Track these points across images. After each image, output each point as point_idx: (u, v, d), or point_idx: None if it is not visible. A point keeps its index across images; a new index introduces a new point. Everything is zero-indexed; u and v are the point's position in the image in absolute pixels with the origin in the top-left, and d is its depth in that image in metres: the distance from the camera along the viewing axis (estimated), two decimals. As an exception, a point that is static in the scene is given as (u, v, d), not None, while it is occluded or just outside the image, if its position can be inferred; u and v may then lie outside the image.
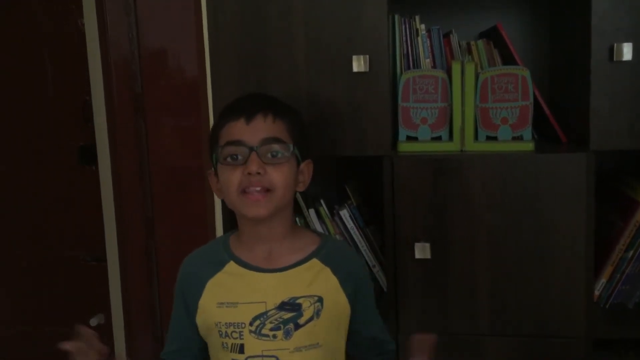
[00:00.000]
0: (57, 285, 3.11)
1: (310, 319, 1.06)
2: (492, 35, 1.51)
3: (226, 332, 1.06)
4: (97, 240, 2.95)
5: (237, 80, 1.34)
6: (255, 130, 1.04)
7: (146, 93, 2.71)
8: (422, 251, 1.30)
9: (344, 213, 1.53)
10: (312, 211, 1.55)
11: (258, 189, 1.03)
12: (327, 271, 1.09)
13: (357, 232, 1.54)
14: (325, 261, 1.10)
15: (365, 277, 1.18)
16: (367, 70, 1.28)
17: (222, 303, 1.07)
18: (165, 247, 2.80)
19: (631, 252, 1.41)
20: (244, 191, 1.04)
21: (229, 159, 1.05)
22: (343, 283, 1.10)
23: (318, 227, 1.53)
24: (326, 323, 1.08)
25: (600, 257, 1.41)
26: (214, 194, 1.30)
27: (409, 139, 1.41)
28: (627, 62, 1.21)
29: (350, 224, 1.53)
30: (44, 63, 2.98)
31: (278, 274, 1.08)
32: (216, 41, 1.35)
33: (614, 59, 1.21)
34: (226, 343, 1.07)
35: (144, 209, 2.76)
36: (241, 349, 1.05)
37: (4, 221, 3.10)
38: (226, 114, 1.08)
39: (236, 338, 1.06)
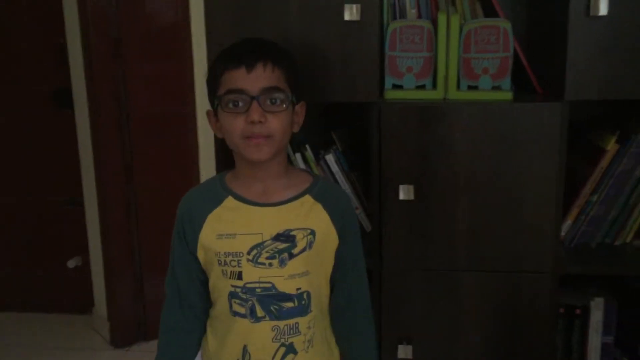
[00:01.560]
0: (34, 229, 3.15)
1: (304, 250, 1.15)
2: (475, -12, 1.57)
3: (225, 260, 1.14)
4: (74, 185, 2.98)
5: (231, 27, 1.38)
6: (255, 80, 1.10)
7: (124, 38, 2.69)
8: (406, 193, 1.39)
9: (330, 157, 1.61)
10: (298, 155, 1.62)
11: (260, 135, 1.10)
12: (319, 207, 1.18)
13: (341, 176, 1.62)
14: (317, 198, 1.18)
15: (353, 215, 1.26)
16: (359, 19, 1.34)
17: (221, 234, 1.15)
18: (145, 190, 2.85)
19: (596, 196, 1.53)
20: (247, 137, 1.11)
21: (230, 106, 1.11)
22: (333, 218, 1.18)
23: (304, 171, 1.60)
24: (317, 253, 1.17)
25: (567, 201, 1.53)
26: (197, 139, 1.36)
27: (395, 86, 1.48)
28: (602, 16, 1.29)
29: (335, 168, 1.61)
30: (18, 4, 2.93)
31: (273, 208, 1.16)
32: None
33: (590, 14, 1.29)
34: (225, 271, 1.15)
35: (123, 154, 2.78)
36: (239, 276, 1.14)
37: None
38: (226, 61, 1.13)
39: (234, 266, 1.14)
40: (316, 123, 1.69)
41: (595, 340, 1.68)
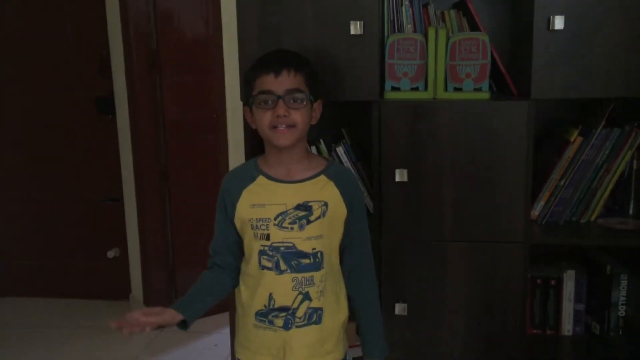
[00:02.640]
0: (77, 223, 3.46)
1: (318, 217, 1.44)
2: (461, 7, 1.86)
3: (256, 225, 1.44)
4: (113, 183, 3.30)
5: (258, 42, 1.68)
6: (281, 83, 1.40)
7: (161, 50, 3.02)
8: (401, 175, 1.68)
9: (340, 149, 1.90)
10: (313, 147, 1.92)
11: (284, 126, 1.40)
12: (332, 184, 1.47)
13: (350, 166, 1.91)
14: (330, 177, 1.48)
15: (359, 193, 1.55)
16: (362, 33, 1.64)
17: (254, 204, 1.45)
18: (178, 187, 3.16)
19: (563, 181, 1.80)
20: (274, 127, 1.41)
21: (262, 104, 1.42)
22: (343, 194, 1.47)
23: (318, 161, 1.90)
24: (329, 221, 1.45)
25: (540, 186, 1.80)
26: (227, 141, 1.67)
27: (393, 89, 1.77)
28: (559, 30, 1.58)
29: (344, 159, 1.90)
30: (64, 22, 3.27)
31: (295, 184, 1.46)
32: (242, 12, 1.68)
33: (550, 28, 1.58)
34: (256, 234, 1.44)
35: (158, 155, 3.10)
36: (267, 237, 1.43)
37: (30, 167, 3.43)
38: (259, 68, 1.43)
39: (264, 229, 1.43)
40: (329, 121, 1.99)
41: (568, 307, 1.94)
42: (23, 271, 3.52)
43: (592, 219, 1.84)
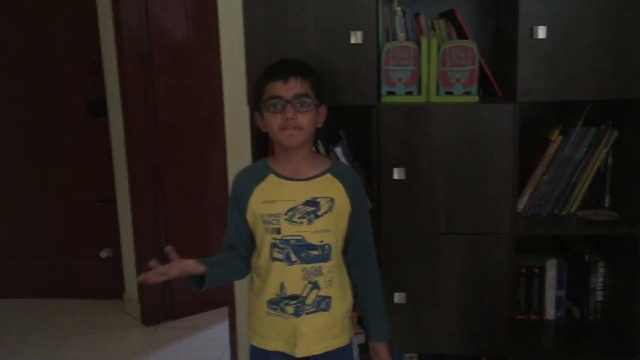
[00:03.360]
0: (70, 223, 3.51)
1: (325, 212, 1.56)
2: (450, 16, 1.99)
3: (268, 219, 1.56)
4: (106, 185, 3.36)
5: (265, 50, 1.79)
6: (289, 88, 1.52)
7: (153, 53, 3.09)
8: (399, 173, 1.80)
9: (338, 149, 2.02)
10: (312, 149, 2.03)
11: (292, 128, 1.52)
12: (337, 182, 1.60)
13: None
14: (335, 175, 1.60)
15: (362, 190, 1.68)
16: (361, 42, 1.76)
17: (266, 201, 1.57)
18: (171, 188, 3.24)
19: (546, 177, 1.95)
20: (283, 128, 1.53)
21: (271, 108, 1.54)
22: (347, 191, 1.60)
23: (318, 161, 2.01)
24: (335, 216, 1.58)
25: (524, 181, 1.95)
26: (226, 142, 1.78)
27: (389, 93, 1.89)
28: (542, 39, 1.72)
29: (342, 158, 2.02)
30: (56, 26, 3.32)
31: (303, 182, 1.58)
32: (249, 20, 1.78)
33: (533, 37, 1.72)
34: (268, 228, 1.56)
35: (152, 156, 3.17)
36: (278, 231, 1.55)
37: (24, 169, 3.48)
38: (269, 75, 1.55)
39: (275, 224, 1.55)
40: (326, 123, 2.10)
41: (550, 294, 2.09)
42: (17, 272, 3.56)
43: (572, 211, 1.99)
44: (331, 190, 1.58)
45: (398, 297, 1.86)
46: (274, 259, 1.57)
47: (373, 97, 1.82)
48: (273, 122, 1.54)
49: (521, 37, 1.74)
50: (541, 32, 1.71)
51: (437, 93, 1.87)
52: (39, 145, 3.45)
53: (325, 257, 1.57)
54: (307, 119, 1.54)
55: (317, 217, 1.56)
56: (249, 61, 1.79)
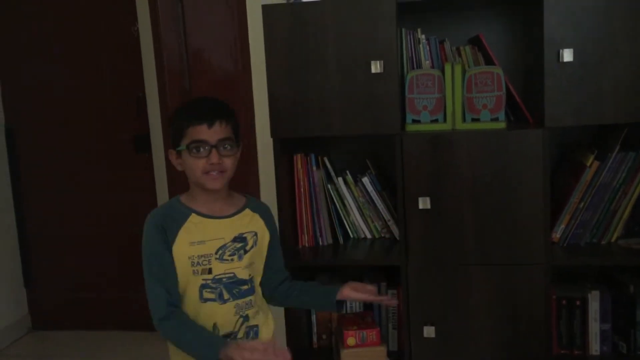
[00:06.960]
0: (116, 258, 3.59)
1: (252, 247, 1.58)
2: (476, 42, 1.96)
3: (197, 261, 1.51)
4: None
5: (287, 83, 1.81)
6: (214, 133, 1.47)
7: (193, 88, 3.17)
8: (424, 203, 1.77)
9: (366, 180, 2.01)
10: (340, 179, 2.02)
11: (216, 172, 1.49)
12: (257, 216, 1.61)
13: (375, 195, 2.01)
14: (253, 210, 1.61)
15: (272, 215, 1.68)
16: (382, 71, 1.75)
17: (194, 242, 1.52)
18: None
19: (582, 204, 1.86)
20: (207, 172, 1.49)
21: (194, 151, 1.49)
22: (265, 222, 1.62)
23: (345, 192, 2.01)
24: (259, 248, 1.60)
25: (559, 209, 1.87)
26: (258, 168, 1.76)
27: (414, 121, 1.87)
28: (569, 62, 1.67)
29: (370, 188, 2.01)
30: (101, 65, 3.46)
31: (228, 219, 1.57)
32: (270, 54, 1.81)
33: (560, 60, 1.67)
34: (197, 270, 1.51)
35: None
36: (209, 271, 1.52)
37: (72, 202, 3.59)
38: (191, 118, 1.49)
39: (205, 264, 1.52)
40: (354, 153, 2.10)
41: (594, 327, 1.98)
42: (66, 305, 3.65)
43: (613, 239, 1.89)
44: (253, 224, 1.60)
45: (427, 331, 1.81)
46: (205, 300, 1.53)
47: (396, 127, 1.80)
48: (196, 165, 1.49)
49: (547, 61, 1.69)
50: (567, 55, 1.66)
51: (464, 120, 1.83)
52: (88, 181, 3.55)
53: (253, 290, 1.59)
54: (231, 162, 1.52)
55: (245, 252, 1.57)
56: (271, 98, 1.81)
